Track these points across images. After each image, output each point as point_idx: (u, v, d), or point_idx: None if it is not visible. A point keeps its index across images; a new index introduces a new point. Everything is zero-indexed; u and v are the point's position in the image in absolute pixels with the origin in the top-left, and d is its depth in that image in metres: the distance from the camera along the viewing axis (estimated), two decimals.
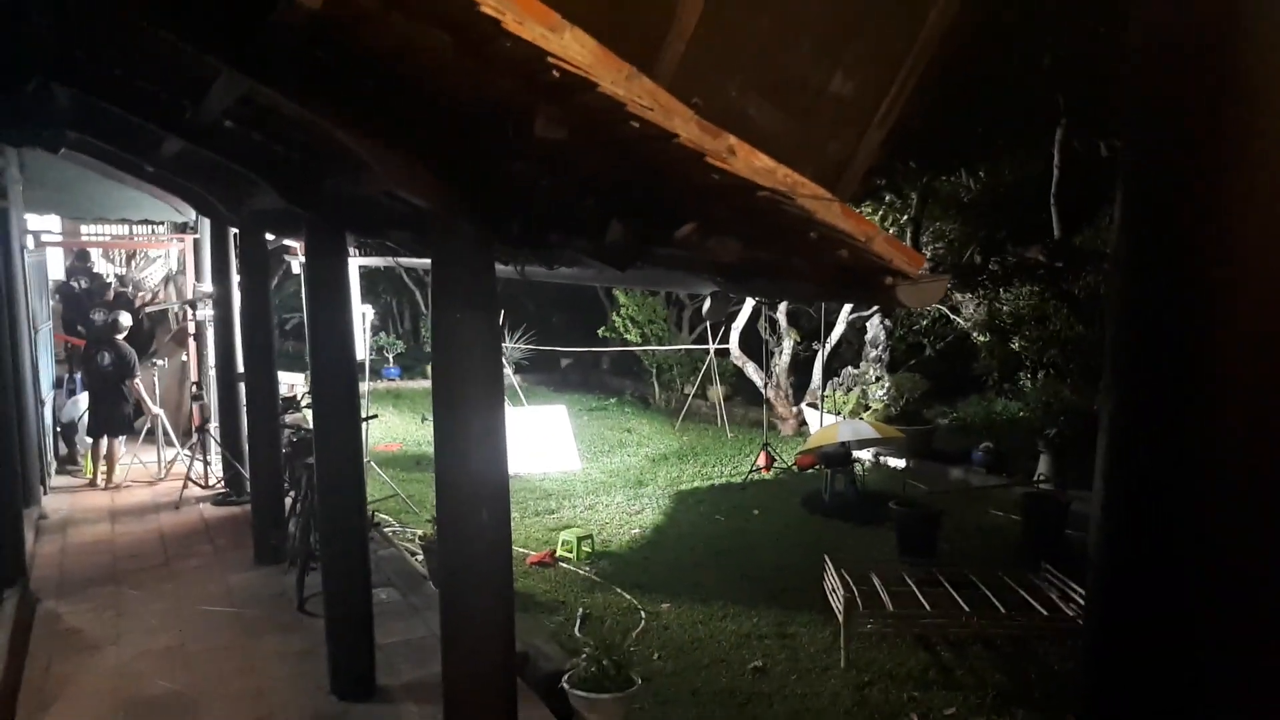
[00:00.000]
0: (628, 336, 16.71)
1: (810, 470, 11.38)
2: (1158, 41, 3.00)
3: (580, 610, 7.03)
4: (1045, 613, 6.18)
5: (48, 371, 10.24)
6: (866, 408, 12.95)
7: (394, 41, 2.26)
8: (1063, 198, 9.95)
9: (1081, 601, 6.08)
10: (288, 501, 7.41)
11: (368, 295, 15.23)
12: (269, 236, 7.76)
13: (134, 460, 10.20)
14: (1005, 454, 11.05)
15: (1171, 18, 2.92)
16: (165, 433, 10.22)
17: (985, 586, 6.55)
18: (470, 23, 1.79)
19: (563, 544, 8.36)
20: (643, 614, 7.00)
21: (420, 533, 8.21)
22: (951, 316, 11.92)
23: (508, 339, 17.06)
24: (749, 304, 14.84)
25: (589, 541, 8.47)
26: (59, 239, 11.53)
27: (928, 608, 6.33)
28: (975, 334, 11.25)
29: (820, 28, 2.32)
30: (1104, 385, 3.33)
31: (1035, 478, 10.23)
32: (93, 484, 9.75)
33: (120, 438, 9.88)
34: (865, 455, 12.04)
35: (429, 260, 3.19)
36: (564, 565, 8.11)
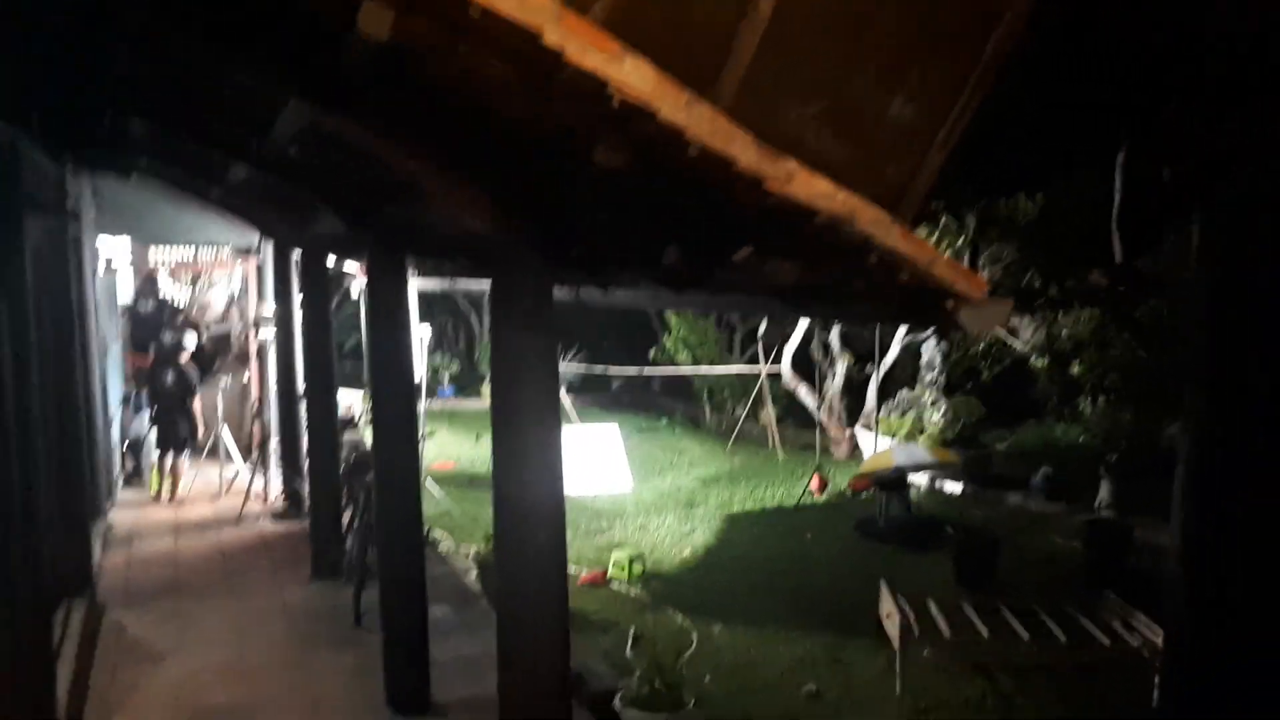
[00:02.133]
0: (679, 358, 16.71)
1: (864, 494, 11.26)
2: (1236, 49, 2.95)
3: (632, 630, 7.02)
4: (1108, 641, 6.03)
5: (115, 390, 10.54)
6: (922, 431, 12.79)
7: (457, 72, 2.31)
8: (1124, 222, 9.75)
9: (1146, 631, 5.92)
10: (345, 518, 7.52)
11: (423, 316, 15.44)
12: (330, 259, 7.93)
13: (196, 476, 10.44)
14: (1065, 480, 10.82)
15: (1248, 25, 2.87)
16: (227, 450, 10.45)
17: (1046, 615, 6.40)
18: (533, 55, 1.83)
19: (614, 564, 8.37)
20: (694, 636, 6.96)
21: (474, 550, 8.29)
22: (1009, 340, 11.74)
23: (560, 358, 17.16)
24: (801, 326, 14.77)
25: (640, 562, 8.47)
26: (130, 260, 11.89)
27: (986, 635, 6.21)
28: (1034, 358, 11.07)
29: (883, 51, 2.33)
30: (1185, 413, 3.26)
31: (1096, 504, 9.99)
32: (157, 499, 9.99)
33: (184, 454, 10.13)
34: (921, 480, 11.87)
35: (486, 281, 3.24)
36: (615, 585, 8.11)
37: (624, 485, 11.83)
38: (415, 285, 8.98)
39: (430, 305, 20.93)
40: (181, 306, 12.69)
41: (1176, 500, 3.21)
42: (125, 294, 12.29)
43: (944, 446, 11.82)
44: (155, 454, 10.20)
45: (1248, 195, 2.98)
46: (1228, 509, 3.06)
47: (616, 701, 5.08)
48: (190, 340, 10.42)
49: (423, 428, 9.00)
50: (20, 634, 4.13)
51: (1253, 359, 2.96)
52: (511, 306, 3.04)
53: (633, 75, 1.91)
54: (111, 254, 11.24)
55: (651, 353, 17.48)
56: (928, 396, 13.27)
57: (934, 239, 10.84)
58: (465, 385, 19.82)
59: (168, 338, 10.59)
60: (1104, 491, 10.06)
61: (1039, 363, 10.91)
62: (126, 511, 9.58)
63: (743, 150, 2.05)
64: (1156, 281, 9.03)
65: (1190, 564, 3.20)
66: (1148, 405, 9.19)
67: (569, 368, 17.76)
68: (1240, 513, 3.02)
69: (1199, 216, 3.11)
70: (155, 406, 10.19)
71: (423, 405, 11.20)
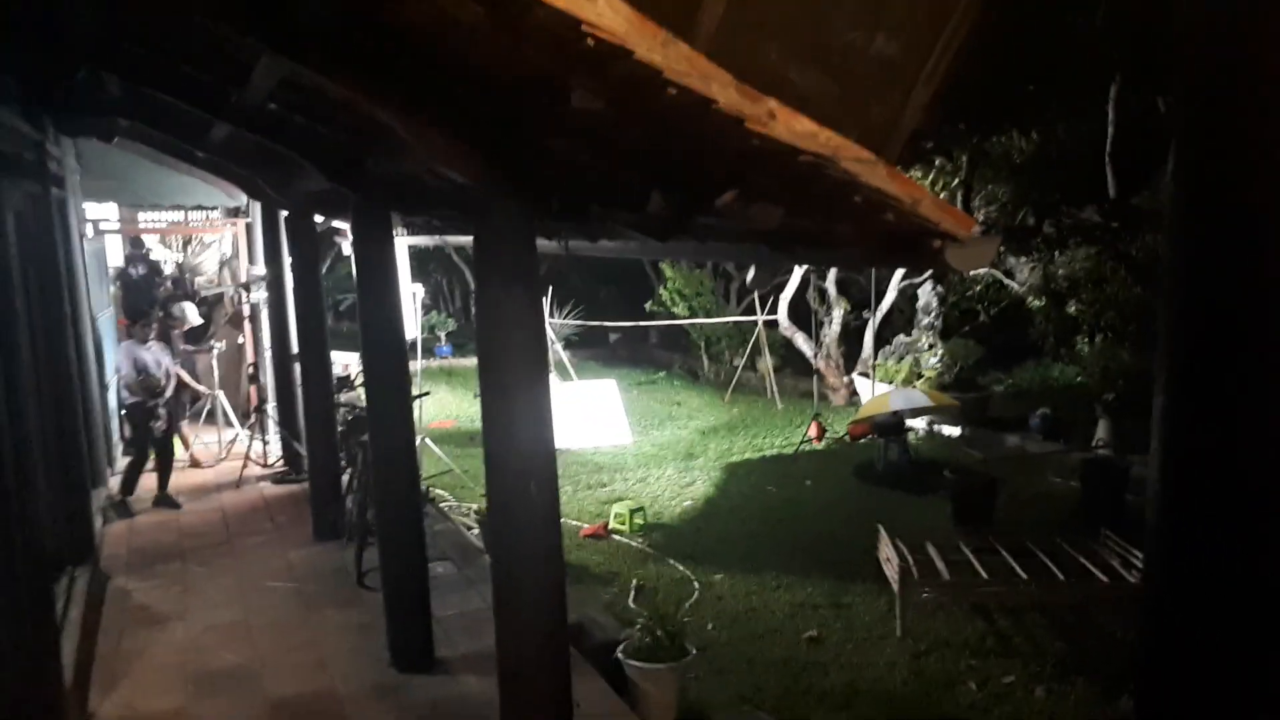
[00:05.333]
0: (675, 310, 16.66)
1: (863, 440, 11.29)
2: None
3: (634, 582, 7.08)
4: (1106, 579, 6.08)
5: (110, 357, 10.51)
6: (919, 376, 12.79)
7: (429, 17, 2.25)
8: (1119, 157, 9.66)
9: (1143, 567, 5.96)
10: (344, 478, 7.54)
11: (418, 274, 15.36)
12: (318, 218, 7.85)
13: (195, 440, 10.45)
14: (1063, 420, 10.85)
15: None
16: (225, 414, 10.45)
17: (1043, 554, 6.45)
18: None
19: (615, 516, 8.41)
20: (696, 585, 7.03)
21: (475, 507, 8.33)
22: (1005, 281, 11.69)
23: (556, 314, 17.11)
24: (797, 274, 14.71)
25: (641, 514, 8.51)
26: (117, 227, 11.78)
27: (984, 576, 6.26)
28: (1030, 299, 11.02)
29: None
30: (1160, 348, 3.24)
31: (1094, 443, 10.02)
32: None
33: (183, 420, 10.16)
34: (919, 424, 11.90)
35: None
36: (617, 538, 8.16)
37: (623, 438, 11.85)
38: (405, 242, 8.90)
39: (425, 264, 20.85)
40: (177, 275, 12.64)
41: (1155, 435, 3.20)
42: (115, 259, 12.21)
43: (941, 390, 11.83)
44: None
45: (1214, 123, 2.93)
46: (1203, 442, 3.05)
47: (619, 652, 5.12)
48: (192, 313, 10.44)
49: (419, 386, 8.98)
50: (22, 603, 4.14)
51: (1223, 291, 2.93)
52: (495, 257, 3.00)
53: (606, 14, 1.85)
54: (99, 219, 11.12)
55: (648, 305, 17.42)
56: (924, 341, 13.25)
57: (927, 180, 10.75)
58: (462, 343, 19.79)
59: (175, 312, 10.55)
60: (1101, 430, 10.08)
61: (1036, 303, 10.87)
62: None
63: (722, 90, 1.99)
64: (1152, 217, 8.96)
65: (1166, 498, 3.20)
66: (1144, 342, 9.17)
67: (566, 324, 17.73)
68: (1215, 446, 3.01)
69: (1172, 148, 3.05)
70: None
71: (420, 364, 11.19)
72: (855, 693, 5.41)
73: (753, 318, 15.12)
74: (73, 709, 4.71)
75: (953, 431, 11.72)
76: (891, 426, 10.15)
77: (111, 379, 10.30)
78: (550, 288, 15.54)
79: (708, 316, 16.43)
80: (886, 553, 6.65)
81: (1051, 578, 6.17)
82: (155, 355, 8.56)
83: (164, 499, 8.52)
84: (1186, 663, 3.19)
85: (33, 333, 5.76)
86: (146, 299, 11.48)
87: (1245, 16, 2.76)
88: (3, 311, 4.49)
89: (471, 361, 18.49)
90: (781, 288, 15.09)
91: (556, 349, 14.74)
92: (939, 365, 12.72)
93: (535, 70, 2.34)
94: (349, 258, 12.88)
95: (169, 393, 8.63)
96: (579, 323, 18.01)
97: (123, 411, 10.78)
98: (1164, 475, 3.17)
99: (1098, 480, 8.40)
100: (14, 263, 5.07)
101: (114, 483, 8.73)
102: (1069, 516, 8.27)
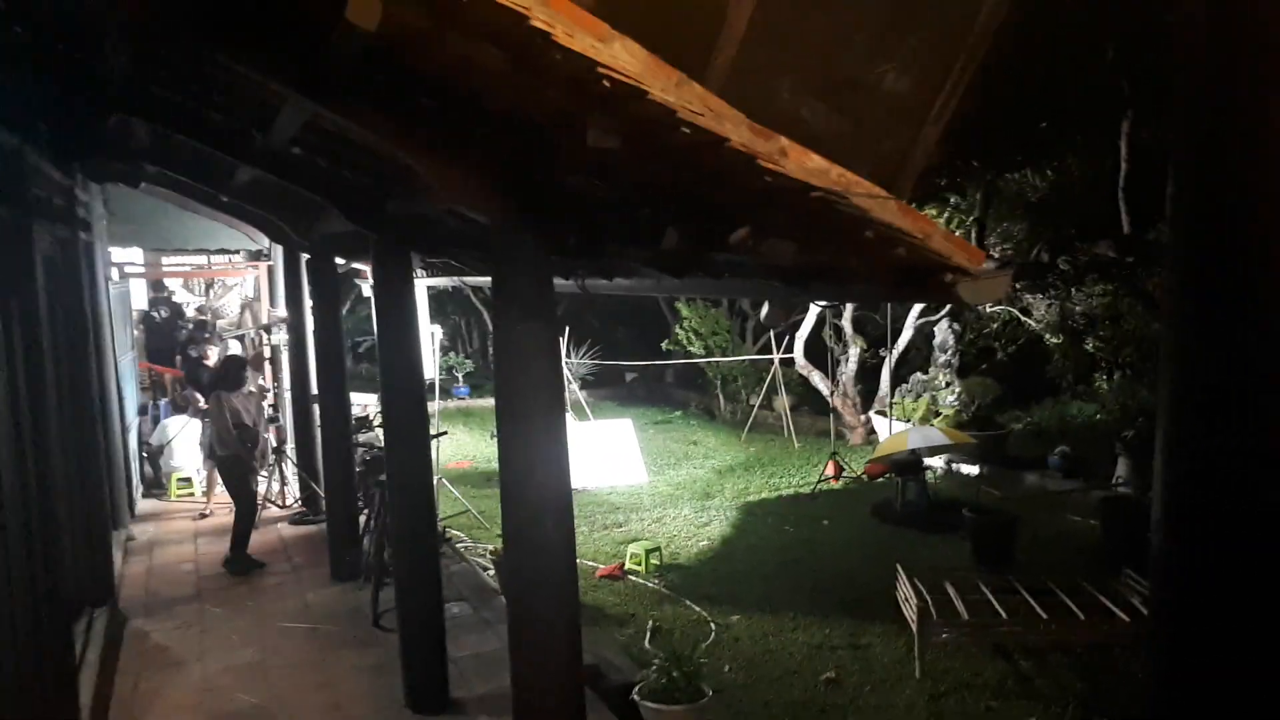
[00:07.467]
0: (691, 349, 16.69)
1: (881, 479, 11.22)
2: (1206, 25, 2.92)
3: (650, 622, 7.03)
4: (1128, 619, 5.99)
5: (132, 398, 10.62)
6: (937, 414, 12.73)
7: (449, 60, 2.31)
8: (1132, 191, 9.68)
9: (1149, 598, 5.88)
10: (362, 519, 7.55)
11: (436, 315, 15.48)
12: (339, 261, 7.95)
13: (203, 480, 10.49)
14: (1082, 458, 10.75)
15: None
16: None
17: (1064, 593, 6.37)
18: (521, 37, 1.83)
19: (631, 557, 8.37)
20: (713, 626, 6.97)
21: (491, 547, 8.31)
22: (1022, 319, 11.67)
23: (572, 354, 17.18)
24: (812, 313, 14.73)
25: (657, 554, 8.47)
26: (141, 270, 11.97)
27: (1004, 615, 6.18)
28: (1047, 336, 11.00)
29: (872, 24, 2.31)
30: (1160, 380, 3.23)
31: (1113, 481, 9.93)
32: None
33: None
34: (937, 462, 11.82)
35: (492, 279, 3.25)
36: (633, 578, 8.12)
37: (639, 478, 11.83)
38: (424, 283, 8.99)
39: (443, 305, 21.00)
40: (204, 319, 12.80)
41: (1156, 470, 3.18)
42: (139, 302, 12.38)
43: (959, 428, 11.76)
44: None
45: (1210, 156, 2.95)
46: (1203, 476, 3.02)
47: (635, 693, 5.08)
48: (214, 354, 10.56)
49: (437, 427, 9.02)
50: (42, 643, 4.17)
51: (1220, 322, 2.93)
52: (513, 294, 3.04)
53: (622, 56, 1.90)
54: (124, 263, 11.31)
55: (664, 344, 17.46)
56: (942, 379, 13.21)
57: (941, 218, 10.80)
58: (479, 384, 19.86)
59: (192, 353, 10.67)
60: (1121, 468, 9.98)
61: (1053, 340, 10.84)
62: (147, 520, 9.65)
63: (734, 128, 2.04)
64: (1167, 251, 8.94)
65: (1170, 535, 3.17)
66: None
67: (582, 363, 17.78)
68: (1217, 479, 2.99)
69: (1170, 180, 3.07)
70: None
71: (437, 405, 11.24)
72: None
73: (769, 356, 15.12)
74: None
75: (971, 470, 11.63)
76: (909, 465, 10.09)
77: (133, 421, 10.41)
78: (567, 328, 15.61)
79: (724, 355, 16.44)
80: (905, 592, 6.58)
81: (1073, 617, 6.09)
82: (244, 403, 8.09)
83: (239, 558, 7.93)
84: (1197, 694, 3.14)
85: (59, 375, 5.84)
86: (169, 342, 11.62)
87: (1243, 45, 2.79)
88: (32, 354, 4.56)
89: (488, 402, 18.55)
90: (797, 326, 15.11)
91: (573, 389, 14.77)
92: (956, 403, 12.67)
93: (553, 111, 2.40)
94: (368, 300, 13.03)
95: (261, 443, 8.20)
96: (595, 362, 18.05)
97: (144, 454, 10.89)
98: (1167, 504, 3.15)
99: (1118, 518, 8.30)
100: (43, 306, 5.16)
101: (133, 524, 8.75)
102: (1090, 555, 8.17)
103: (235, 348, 10.57)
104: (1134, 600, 6.22)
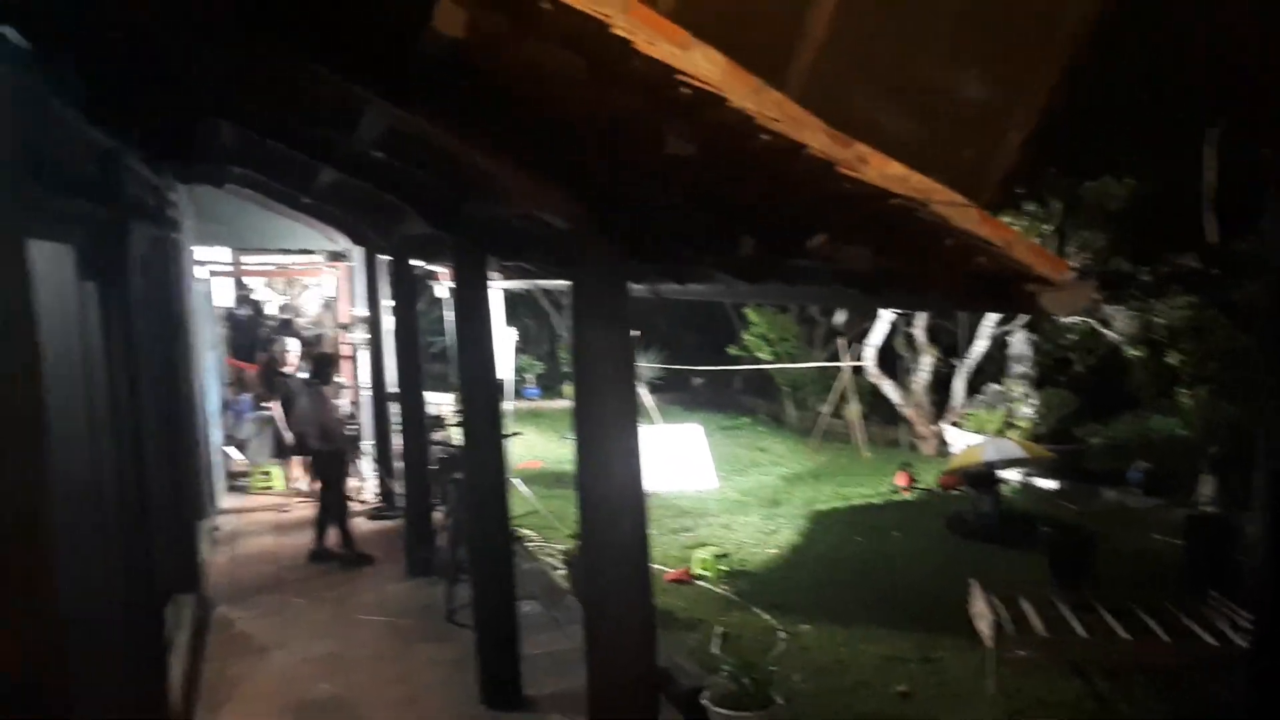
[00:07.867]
0: (760, 355, 16.60)
1: (954, 491, 11.03)
2: None
3: (718, 628, 7.02)
4: (1214, 642, 5.78)
5: (215, 393, 10.98)
6: (1012, 426, 12.46)
7: (530, 66, 2.37)
8: (1220, 202, 9.36)
9: (1251, 630, 5.67)
10: (437, 516, 7.70)
11: (509, 319, 15.67)
12: (415, 262, 8.13)
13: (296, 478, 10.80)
14: (1163, 474, 10.41)
15: None
16: None
17: (1145, 613, 6.18)
18: (602, 44, 1.87)
19: (699, 562, 8.37)
20: (782, 634, 6.93)
21: (562, 548, 8.39)
22: (1101, 330, 11.36)
23: (640, 358, 17.21)
24: (884, 320, 14.54)
25: (725, 560, 8.45)
26: (227, 269, 12.38)
27: (1083, 634, 6.03)
28: (1127, 348, 10.68)
29: (953, 30, 2.30)
30: (1264, 398, 3.12)
31: (1196, 499, 9.60)
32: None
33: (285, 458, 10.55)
34: (1012, 476, 11.57)
35: (565, 283, 3.30)
36: (701, 584, 8.12)
37: (709, 483, 11.82)
38: (500, 286, 9.14)
39: (514, 307, 21.25)
40: (286, 316, 13.19)
41: (1261, 493, 3.06)
42: (222, 300, 12.79)
43: (1035, 441, 11.49)
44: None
45: None
46: None
47: (705, 698, 5.09)
48: (293, 347, 10.83)
49: (509, 427, 9.15)
50: (135, 627, 4.35)
51: None
52: (589, 301, 3.09)
53: (701, 63, 1.93)
54: (210, 262, 11.70)
55: (731, 349, 17.40)
56: (1017, 390, 12.92)
57: (1019, 228, 10.57)
58: (549, 386, 20.03)
59: (274, 348, 10.98)
60: (1207, 486, 9.65)
61: (1134, 352, 10.52)
62: (229, 512, 9.97)
63: (813, 135, 2.05)
64: (1256, 263, 8.62)
65: (1273, 557, 3.05)
66: (1251, 394, 8.78)
67: (650, 367, 17.81)
68: None
69: (1272, 193, 2.97)
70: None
71: (510, 406, 11.40)
72: None
73: (838, 364, 14.97)
74: None
75: (1047, 484, 11.36)
76: (984, 478, 9.90)
77: (216, 415, 10.76)
78: (637, 332, 15.65)
79: (792, 362, 16.32)
80: (978, 607, 6.46)
81: (1154, 638, 5.91)
82: (339, 400, 8.24)
83: (350, 555, 8.10)
84: None
85: (151, 370, 6.08)
86: (251, 339, 12.00)
87: None
88: (130, 351, 4.76)
89: (557, 404, 18.71)
90: (867, 333, 14.93)
91: (642, 391, 14.81)
92: (1033, 415, 12.37)
93: (631, 116, 2.44)
94: (439, 301, 13.26)
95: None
96: (663, 366, 18.07)
97: (227, 448, 11.25)
98: (1271, 526, 3.05)
99: (1203, 538, 8.02)
100: (138, 305, 5.37)
101: (217, 515, 9.03)
102: (1172, 575, 7.92)
103: (294, 346, 10.82)
104: (1220, 624, 6.00)
